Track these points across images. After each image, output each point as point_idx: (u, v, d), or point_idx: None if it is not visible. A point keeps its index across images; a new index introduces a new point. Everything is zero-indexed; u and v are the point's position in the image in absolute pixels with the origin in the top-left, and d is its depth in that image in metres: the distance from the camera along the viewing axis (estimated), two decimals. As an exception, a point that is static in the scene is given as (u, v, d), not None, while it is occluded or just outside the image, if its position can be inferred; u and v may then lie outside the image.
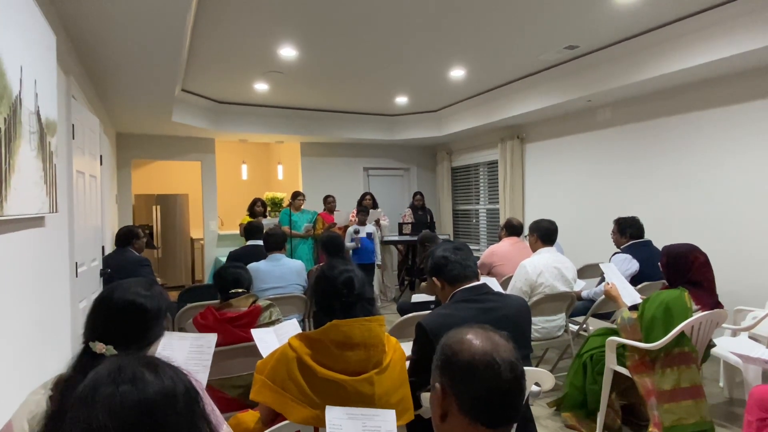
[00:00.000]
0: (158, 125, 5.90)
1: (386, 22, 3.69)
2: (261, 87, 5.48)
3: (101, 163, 3.92)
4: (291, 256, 5.24)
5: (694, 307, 2.54)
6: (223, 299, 2.39)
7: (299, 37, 3.95)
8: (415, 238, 5.74)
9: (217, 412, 1.39)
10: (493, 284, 3.13)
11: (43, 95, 1.95)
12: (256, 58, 4.48)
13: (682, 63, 3.86)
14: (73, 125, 2.85)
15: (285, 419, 1.43)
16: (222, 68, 4.77)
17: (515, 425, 1.56)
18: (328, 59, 4.55)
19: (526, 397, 1.84)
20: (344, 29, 3.81)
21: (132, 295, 1.28)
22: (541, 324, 3.28)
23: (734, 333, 3.29)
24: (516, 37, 4.07)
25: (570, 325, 3.51)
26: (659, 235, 3.90)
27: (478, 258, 4.33)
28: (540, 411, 3.14)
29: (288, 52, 4.28)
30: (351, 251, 5.78)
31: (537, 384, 1.85)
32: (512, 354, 0.93)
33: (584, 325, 3.67)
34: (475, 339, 0.94)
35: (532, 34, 3.99)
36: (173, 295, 4.06)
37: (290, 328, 2.12)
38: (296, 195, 6.19)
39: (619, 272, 3.05)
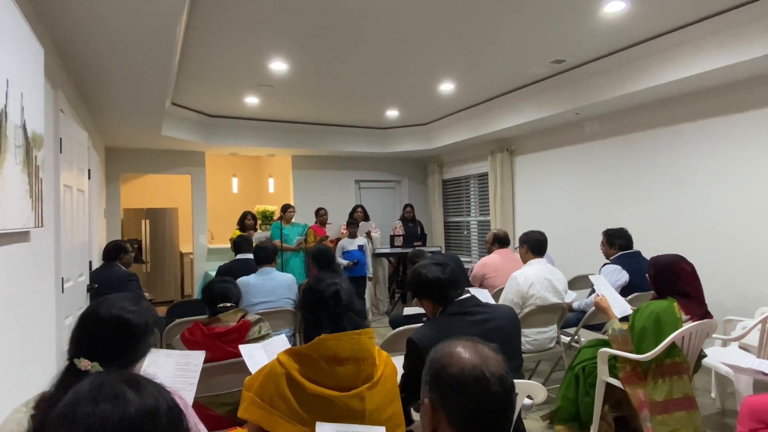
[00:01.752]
0: (148, 139, 5.87)
1: (376, 36, 3.72)
2: (252, 100, 5.48)
3: (89, 178, 3.89)
4: (282, 269, 5.20)
5: (684, 317, 2.55)
6: (212, 314, 2.35)
7: (289, 50, 3.97)
8: (407, 250, 5.73)
9: (202, 429, 1.36)
10: (485, 296, 3.12)
11: (30, 109, 1.93)
12: (247, 72, 4.49)
13: (667, 76, 3.93)
14: (60, 139, 2.83)
15: (274, 437, 1.40)
16: (212, 82, 4.77)
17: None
18: (318, 73, 4.57)
19: (518, 411, 1.83)
20: (334, 43, 3.83)
21: (118, 310, 1.25)
22: (532, 336, 3.27)
23: (724, 343, 3.31)
24: (504, 52, 4.13)
25: (562, 336, 3.51)
26: (648, 246, 3.93)
27: (469, 269, 4.35)
28: (533, 424, 3.12)
29: (278, 65, 4.30)
30: (342, 266, 5.75)
31: (529, 397, 1.84)
32: (502, 367, 0.92)
33: (576, 337, 3.66)
34: (464, 352, 0.93)
35: (520, 48, 4.05)
36: (162, 311, 4.01)
37: (279, 343, 2.09)
38: (286, 208, 6.17)
39: (608, 283, 3.06)
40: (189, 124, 5.95)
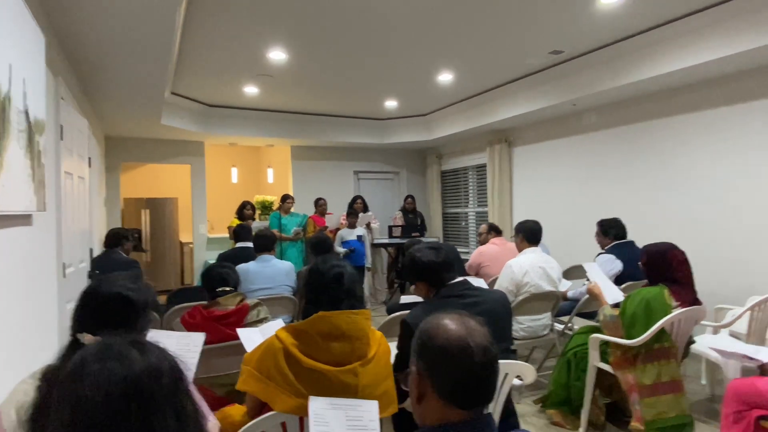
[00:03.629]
0: (147, 128, 5.90)
1: (375, 26, 3.74)
2: (251, 90, 5.50)
3: (90, 165, 3.92)
4: (280, 259, 5.25)
5: (674, 303, 2.60)
6: (211, 298, 2.40)
7: (288, 40, 4.00)
8: (405, 241, 5.78)
9: (204, 404, 1.41)
10: (481, 285, 3.17)
11: (32, 95, 1.97)
12: (246, 62, 4.51)
13: (663, 67, 3.96)
14: (61, 126, 2.86)
15: (271, 411, 1.45)
16: (211, 71, 4.79)
17: (497, 415, 1.60)
18: (317, 63, 4.59)
19: (508, 392, 1.88)
20: (333, 33, 3.85)
21: (119, 287, 1.30)
22: (526, 323, 3.33)
23: (715, 330, 3.36)
24: (502, 42, 4.15)
25: (555, 324, 3.57)
26: (642, 236, 3.95)
27: (466, 260, 4.39)
28: (526, 408, 3.19)
29: (277, 55, 4.32)
30: (341, 256, 5.81)
31: (519, 377, 1.90)
32: (486, 338, 0.97)
33: (569, 324, 3.72)
34: (450, 324, 0.98)
35: (518, 39, 4.07)
36: (162, 299, 4.06)
37: (276, 327, 2.14)
38: (285, 198, 6.21)
39: (601, 271, 3.11)
40: (188, 114, 5.98)
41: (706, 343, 2.98)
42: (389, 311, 4.32)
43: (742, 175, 3.99)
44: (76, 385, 0.70)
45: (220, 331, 2.28)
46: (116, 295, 1.29)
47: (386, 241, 6.73)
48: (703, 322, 2.92)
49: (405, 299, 4.02)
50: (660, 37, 3.91)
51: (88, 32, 2.83)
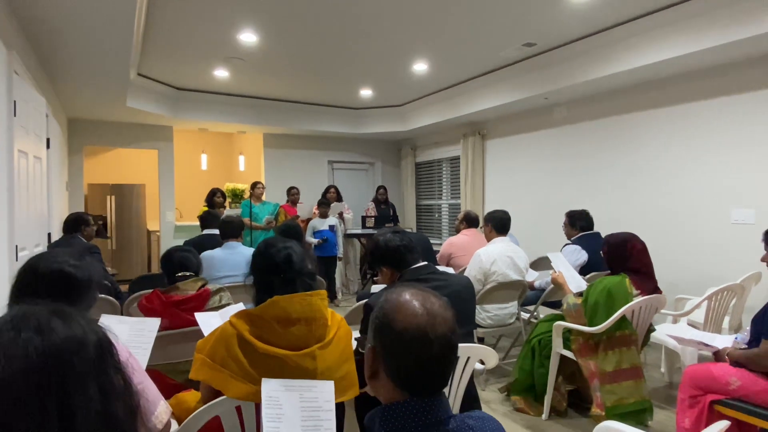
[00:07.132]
0: (112, 110, 5.70)
1: (349, 10, 3.67)
2: (221, 74, 5.36)
3: (48, 146, 3.76)
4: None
5: (635, 292, 2.65)
6: (170, 282, 2.33)
7: (259, 21, 3.89)
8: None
9: (154, 388, 1.35)
10: (449, 273, 3.18)
11: (-24, 64, 1.85)
12: (215, 43, 4.37)
13: (632, 62, 4.02)
14: (15, 102, 2.72)
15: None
16: (180, 53, 4.64)
17: (459, 399, 1.58)
18: (289, 47, 4.50)
19: (470, 376, 1.88)
20: (306, 16, 3.77)
21: (59, 264, 1.23)
22: (493, 311, 3.35)
23: (675, 319, 3.46)
24: (476, 33, 4.13)
25: (522, 312, 3.60)
26: (609, 227, 4.02)
27: (437, 251, 4.40)
28: (491, 395, 3.22)
29: (248, 37, 4.20)
30: (313, 246, 5.76)
31: (481, 362, 1.90)
32: (448, 326, 0.91)
33: (535, 313, 3.77)
34: (412, 308, 0.92)
35: (492, 29, 4.06)
36: (125, 288, 3.93)
37: (235, 311, 2.08)
38: (255, 185, 6.10)
39: (565, 261, 3.15)
40: (156, 97, 5.79)
41: (665, 331, 3.05)
42: (359, 300, 4.29)
43: (706, 169, 4.09)
44: None
45: (180, 317, 2.21)
46: (56, 272, 1.22)
47: (359, 231, 6.70)
48: (663, 311, 2.99)
49: (375, 288, 4.00)
50: (630, 33, 3.97)
51: (43, 3, 2.69)
